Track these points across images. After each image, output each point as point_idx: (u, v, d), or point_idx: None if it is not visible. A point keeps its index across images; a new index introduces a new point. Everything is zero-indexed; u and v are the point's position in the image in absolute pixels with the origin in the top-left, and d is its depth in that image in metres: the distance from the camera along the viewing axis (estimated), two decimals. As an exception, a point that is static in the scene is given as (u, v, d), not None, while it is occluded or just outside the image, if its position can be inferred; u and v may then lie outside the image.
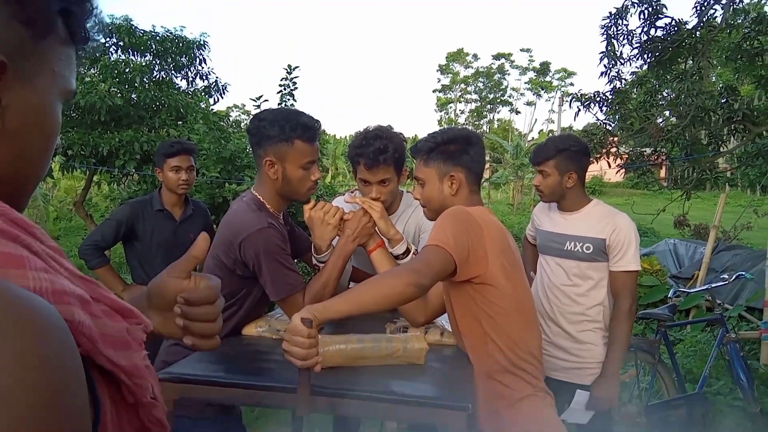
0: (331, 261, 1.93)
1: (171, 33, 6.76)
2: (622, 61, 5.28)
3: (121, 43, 6.43)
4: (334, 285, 1.93)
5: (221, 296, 0.81)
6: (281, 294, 1.84)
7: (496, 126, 56.58)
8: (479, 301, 1.61)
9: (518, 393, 1.61)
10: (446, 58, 57.65)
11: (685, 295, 4.95)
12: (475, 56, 56.92)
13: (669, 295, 4.29)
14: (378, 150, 2.13)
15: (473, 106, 58.30)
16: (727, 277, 3.83)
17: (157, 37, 6.60)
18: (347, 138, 39.09)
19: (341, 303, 1.43)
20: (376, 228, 2.02)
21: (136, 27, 6.52)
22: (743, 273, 3.82)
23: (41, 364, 0.39)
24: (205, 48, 6.99)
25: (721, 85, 5.65)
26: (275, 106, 5.68)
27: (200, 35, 7.01)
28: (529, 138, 30.62)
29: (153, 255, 3.07)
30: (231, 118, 9.48)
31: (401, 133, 2.32)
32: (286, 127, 1.83)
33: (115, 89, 6.11)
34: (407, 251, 2.05)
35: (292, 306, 1.84)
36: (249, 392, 1.47)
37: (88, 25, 0.60)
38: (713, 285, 3.79)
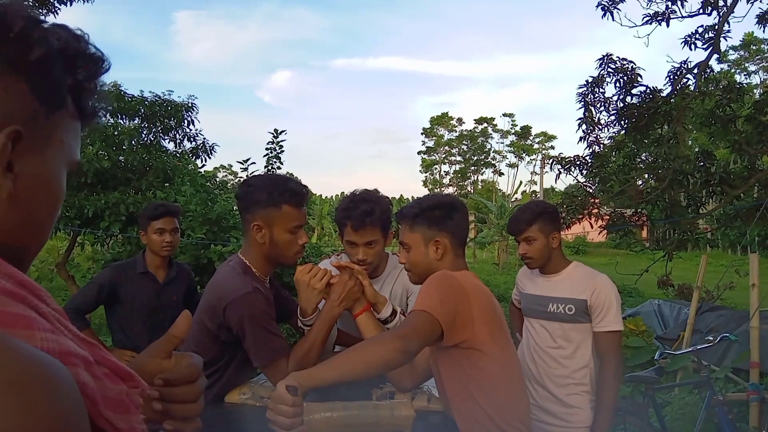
0: (317, 325, 1.91)
1: (159, 97, 6.89)
2: (600, 127, 5.46)
3: (109, 108, 6.53)
4: (319, 350, 1.91)
5: (203, 375, 0.78)
6: (265, 360, 1.82)
7: (480, 187, 57.44)
8: (467, 367, 1.60)
9: None
10: (430, 121, 59.09)
11: (672, 357, 4.92)
12: (459, 120, 58.40)
13: (655, 357, 4.26)
14: (365, 212, 2.15)
15: (457, 167, 59.35)
16: (712, 338, 3.83)
17: (146, 102, 6.73)
18: (333, 198, 39.36)
19: (327, 370, 1.41)
20: (363, 292, 2.02)
21: (125, 92, 6.65)
22: (727, 334, 3.83)
23: (53, 420, 0.40)
24: (193, 110, 7.11)
25: (697, 149, 5.84)
26: (262, 169, 5.77)
27: (188, 98, 7.16)
28: (513, 198, 31.06)
29: (135, 318, 3.02)
30: (218, 179, 9.56)
31: (387, 197, 2.36)
32: (275, 192, 1.85)
33: (103, 152, 6.16)
34: (394, 313, 2.05)
35: (276, 372, 1.81)
36: (231, 463, 1.43)
37: (93, 100, 0.64)
38: (699, 347, 3.79)
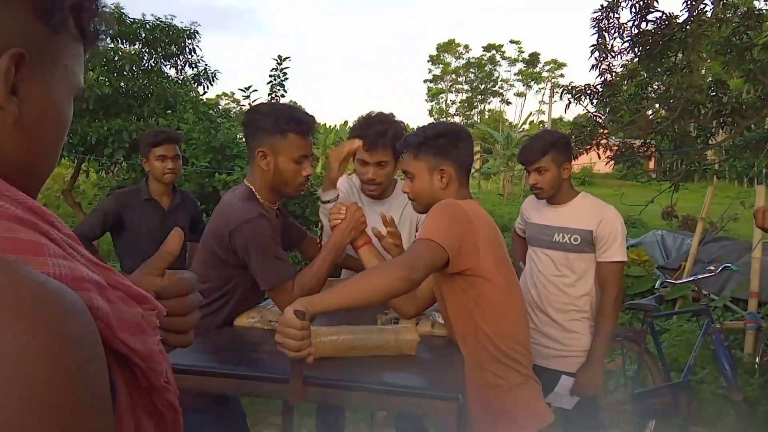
0: (323, 253, 1.94)
1: (161, 21, 6.69)
2: (613, 54, 5.29)
3: (111, 31, 6.36)
4: (325, 276, 1.95)
5: (197, 292, 0.78)
6: (271, 284, 1.85)
7: (486, 116, 56.64)
8: (471, 293, 1.63)
9: (508, 383, 1.64)
10: (437, 48, 57.59)
11: (672, 286, 5.00)
12: (467, 47, 56.88)
13: (656, 286, 4.33)
14: (378, 133, 2.21)
15: (464, 96, 58.33)
16: (713, 268, 3.87)
17: (147, 26, 6.53)
18: (338, 127, 38.93)
19: (333, 296, 1.44)
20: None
21: (125, 15, 6.45)
22: (729, 264, 3.87)
23: (67, 346, 0.41)
24: (195, 37, 6.93)
25: (710, 79, 5.68)
26: (265, 97, 5.68)
27: (190, 24, 6.96)
28: (521, 129, 30.66)
29: (141, 245, 3.05)
30: (220, 107, 9.44)
31: (402, 121, 2.37)
32: (281, 119, 1.85)
33: (104, 78, 6.05)
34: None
35: (281, 295, 1.86)
36: (241, 382, 1.48)
37: (95, 22, 0.61)
38: (699, 276, 3.84)
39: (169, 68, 7.07)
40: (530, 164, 2.49)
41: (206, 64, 7.20)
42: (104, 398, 0.45)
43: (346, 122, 40.22)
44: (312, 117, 1.94)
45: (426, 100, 59.65)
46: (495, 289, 1.63)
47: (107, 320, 0.48)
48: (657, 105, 6.07)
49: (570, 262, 2.50)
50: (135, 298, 0.55)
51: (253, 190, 1.93)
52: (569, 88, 5.45)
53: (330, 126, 39.13)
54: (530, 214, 2.69)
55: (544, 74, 55.04)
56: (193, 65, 7.12)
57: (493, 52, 55.84)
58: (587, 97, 5.41)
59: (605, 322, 2.43)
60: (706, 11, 5.24)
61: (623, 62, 5.60)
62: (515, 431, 1.64)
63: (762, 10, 5.50)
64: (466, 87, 57.99)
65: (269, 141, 1.87)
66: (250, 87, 5.53)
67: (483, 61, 56.27)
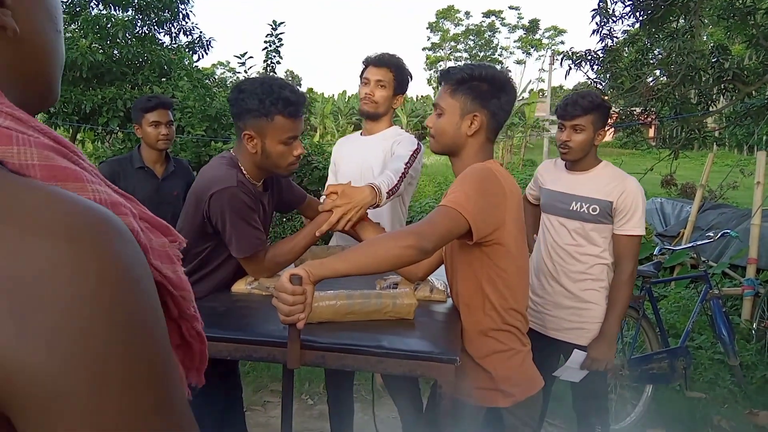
0: (308, 230, 1.93)
1: (153, -14, 6.56)
2: (615, 19, 5.20)
3: None
4: (301, 251, 1.94)
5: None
6: (243, 252, 1.84)
7: (485, 85, 55.96)
8: (486, 264, 1.60)
9: (512, 349, 1.65)
10: (436, 15, 56.74)
11: (671, 253, 5.01)
12: (467, 14, 56.02)
13: (654, 253, 4.32)
14: (384, 55, 2.55)
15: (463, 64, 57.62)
16: (712, 234, 3.86)
17: (139, -10, 6.41)
18: (335, 96, 38.56)
19: (339, 262, 1.41)
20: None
21: (116, -21, 6.33)
22: (728, 231, 3.86)
23: (122, 266, 0.42)
24: (188, 2, 6.81)
25: (712, 45, 5.60)
26: (261, 64, 5.59)
27: (183, -11, 6.83)
28: (520, 97, 30.38)
29: (138, 213, 3.03)
30: (216, 76, 9.32)
31: (408, 70, 2.62)
32: (267, 101, 1.76)
33: (97, 45, 5.95)
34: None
35: (253, 263, 1.87)
36: (239, 346, 1.48)
37: None
38: (698, 242, 3.83)
39: (163, 35, 6.97)
40: (570, 119, 2.39)
41: (201, 32, 7.09)
42: (161, 311, 0.46)
43: (344, 92, 39.83)
44: (302, 95, 1.83)
45: (424, 68, 59.01)
46: (510, 262, 1.61)
47: (144, 244, 0.49)
48: (657, 71, 5.99)
49: (586, 232, 2.41)
50: (159, 228, 0.55)
51: (239, 163, 1.89)
52: (569, 53, 5.37)
53: (328, 96, 38.77)
54: (545, 180, 2.61)
55: (544, 41, 54.33)
56: (188, 32, 7.01)
57: (493, 18, 55.03)
58: (587, 62, 5.34)
59: (619, 296, 2.37)
60: (710, -26, 5.14)
61: (624, 27, 5.52)
62: (517, 396, 1.64)
63: (766, -26, 5.39)
64: (465, 55, 57.26)
65: (255, 124, 1.79)
66: (245, 54, 5.44)
67: (482, 28, 55.50)
